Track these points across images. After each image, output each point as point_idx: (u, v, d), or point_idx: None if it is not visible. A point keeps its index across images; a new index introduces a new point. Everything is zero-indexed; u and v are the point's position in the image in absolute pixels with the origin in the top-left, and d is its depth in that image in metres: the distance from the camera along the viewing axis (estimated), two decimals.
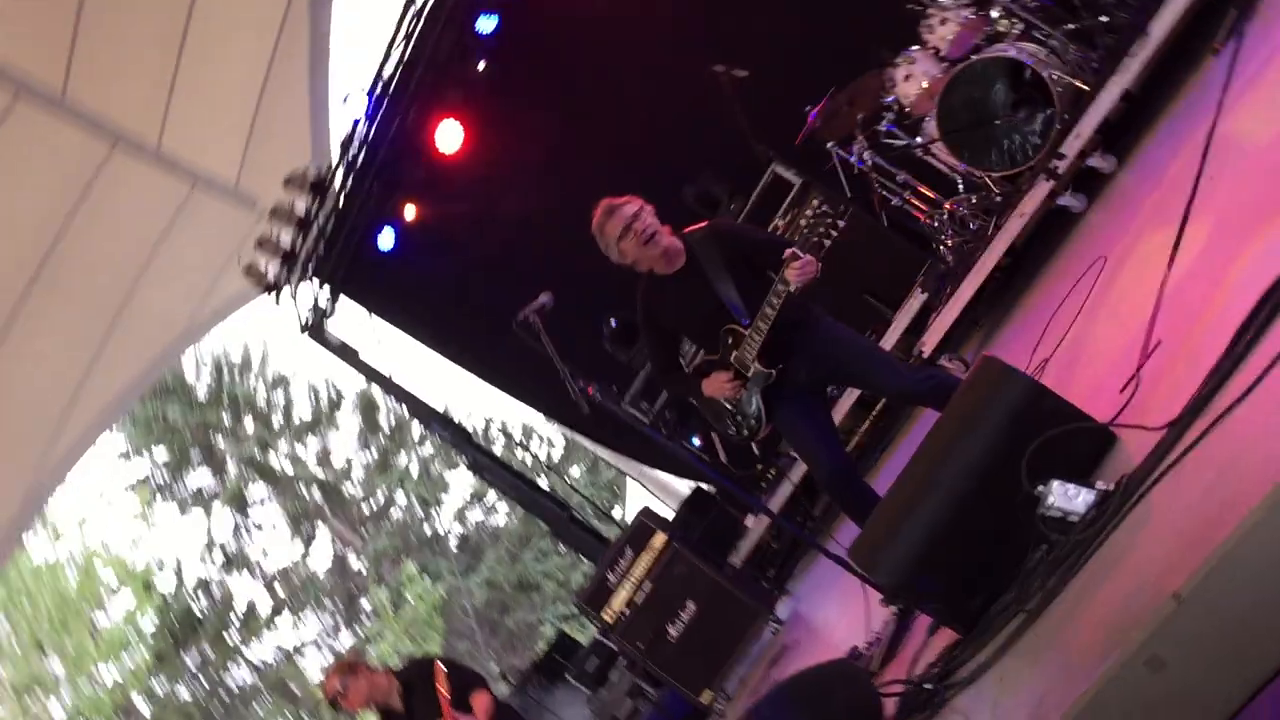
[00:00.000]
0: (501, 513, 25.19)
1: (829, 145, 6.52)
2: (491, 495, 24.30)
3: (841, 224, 3.79)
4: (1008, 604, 2.61)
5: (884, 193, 6.54)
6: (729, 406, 4.33)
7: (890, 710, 2.89)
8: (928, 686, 2.78)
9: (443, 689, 5.03)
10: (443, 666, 5.24)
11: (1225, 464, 2.16)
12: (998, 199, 5.95)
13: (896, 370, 4.48)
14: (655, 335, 4.49)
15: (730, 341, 4.23)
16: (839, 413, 6.67)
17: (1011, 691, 2.44)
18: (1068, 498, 2.48)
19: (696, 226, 4.35)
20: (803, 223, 3.76)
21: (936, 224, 6.47)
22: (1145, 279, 3.47)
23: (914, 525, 2.72)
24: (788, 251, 3.88)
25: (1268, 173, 3.13)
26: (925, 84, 5.98)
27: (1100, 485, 2.48)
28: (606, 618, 6.51)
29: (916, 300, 6.60)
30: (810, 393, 4.37)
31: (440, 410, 11.03)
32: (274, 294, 9.38)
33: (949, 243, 6.35)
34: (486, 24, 8.26)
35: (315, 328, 9.52)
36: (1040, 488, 2.51)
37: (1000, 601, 2.65)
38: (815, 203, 6.62)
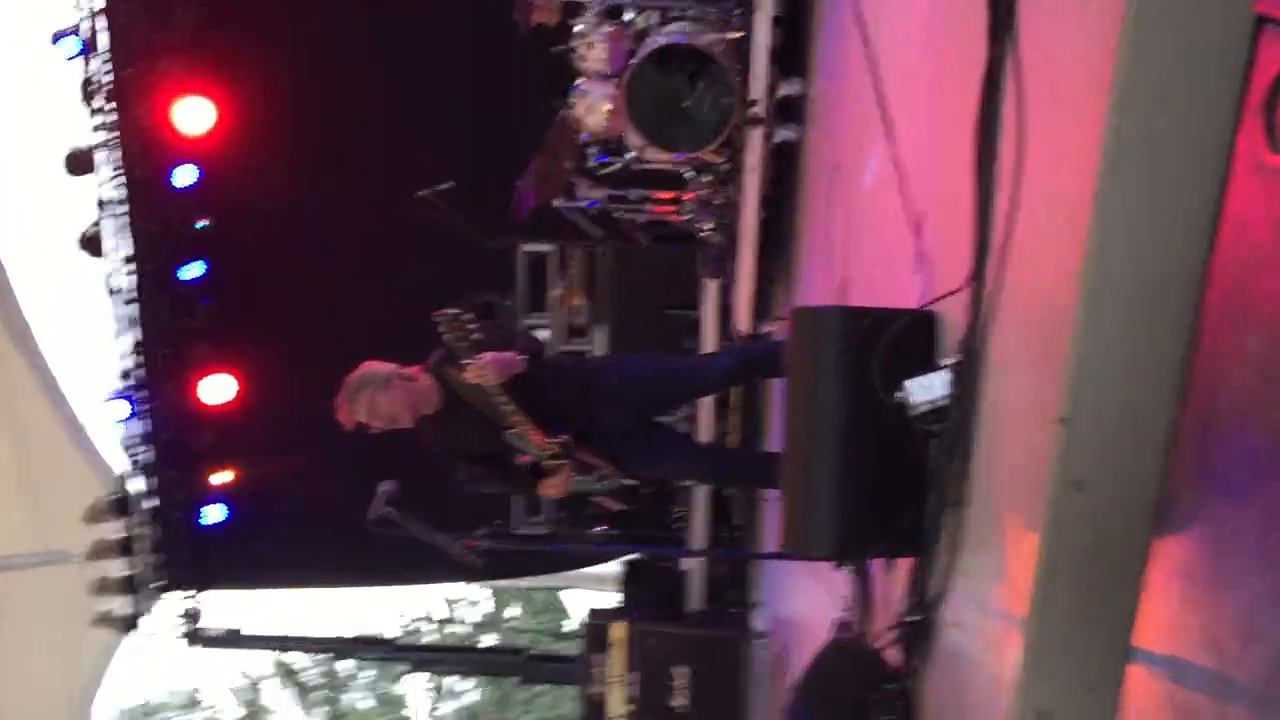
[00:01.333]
0: (470, 689, 24.38)
1: (556, 204, 6.61)
2: (450, 680, 23.50)
3: (466, 320, 3.85)
4: (934, 507, 2.65)
5: (629, 216, 6.66)
6: (578, 483, 4.33)
7: (896, 657, 2.89)
8: (915, 619, 2.79)
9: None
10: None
11: (1031, 282, 2.25)
12: (725, 167, 6.13)
13: (701, 366, 4.61)
14: (468, 460, 4.47)
15: (519, 443, 4.25)
16: (704, 425, 6.73)
17: (982, 578, 2.47)
18: (926, 388, 2.54)
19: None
20: (445, 334, 3.87)
21: (689, 217, 6.62)
22: (879, 166, 3.62)
23: (819, 492, 2.74)
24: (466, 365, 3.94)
25: (919, 28, 3.30)
26: (607, 105, 6.12)
27: (946, 362, 2.55)
28: None
29: (711, 289, 6.73)
30: (639, 429, 4.40)
31: (355, 636, 10.63)
32: (134, 629, 8.90)
33: (708, 227, 6.50)
34: (191, 271, 8.12)
35: (193, 635, 9.05)
36: (898, 394, 2.56)
37: (928, 509, 2.68)
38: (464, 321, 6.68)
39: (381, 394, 4.11)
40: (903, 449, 2.66)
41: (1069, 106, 2.06)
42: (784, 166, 6.01)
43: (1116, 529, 2.02)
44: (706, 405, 6.79)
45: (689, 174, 6.41)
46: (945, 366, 2.55)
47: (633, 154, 6.25)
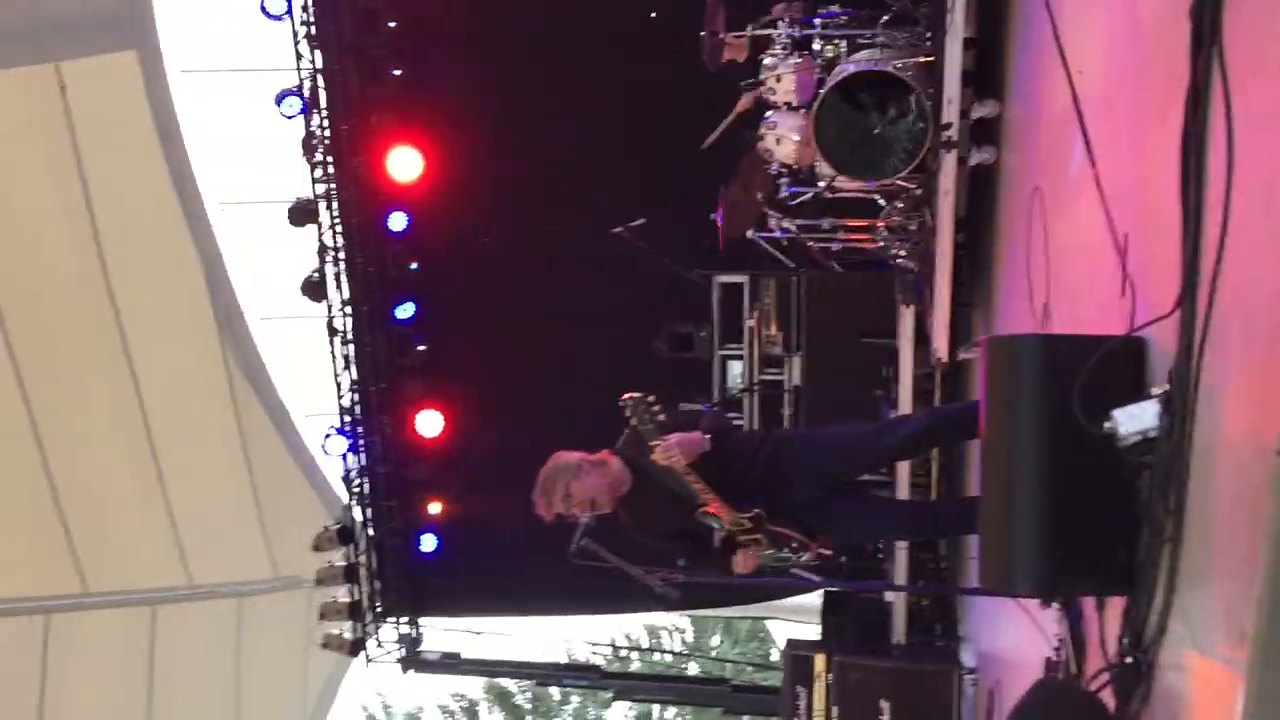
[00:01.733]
0: (672, 718, 24.48)
1: (749, 234, 6.65)
2: (655, 709, 23.65)
3: (651, 403, 3.93)
4: (1148, 542, 2.53)
5: (821, 245, 6.63)
6: (771, 557, 4.31)
7: (1110, 699, 2.76)
8: (1129, 660, 2.66)
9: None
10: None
11: (1245, 307, 2.13)
12: (919, 192, 6.03)
13: (890, 431, 4.58)
14: (662, 538, 4.47)
15: (711, 521, 4.26)
16: (902, 480, 6.62)
17: (1200, 619, 2.34)
18: (1135, 418, 2.43)
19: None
20: (631, 418, 3.95)
21: (883, 244, 6.54)
22: (1083, 187, 3.49)
23: (1021, 527, 2.66)
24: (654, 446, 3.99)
25: (1120, 43, 3.19)
26: (797, 136, 6.13)
27: (1155, 391, 2.44)
28: None
29: (908, 317, 6.62)
30: (821, 498, 4.36)
31: (564, 661, 10.87)
32: (361, 652, 9.35)
33: (903, 253, 6.40)
34: (404, 311, 8.54)
35: (410, 659, 9.45)
36: (1106, 424, 2.46)
37: (1141, 544, 2.56)
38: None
39: (575, 482, 4.17)
40: (1112, 482, 2.55)
41: None
42: (980, 190, 5.87)
43: None
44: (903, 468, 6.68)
45: (882, 201, 6.34)
46: (1155, 395, 2.44)
47: (824, 183, 6.24)
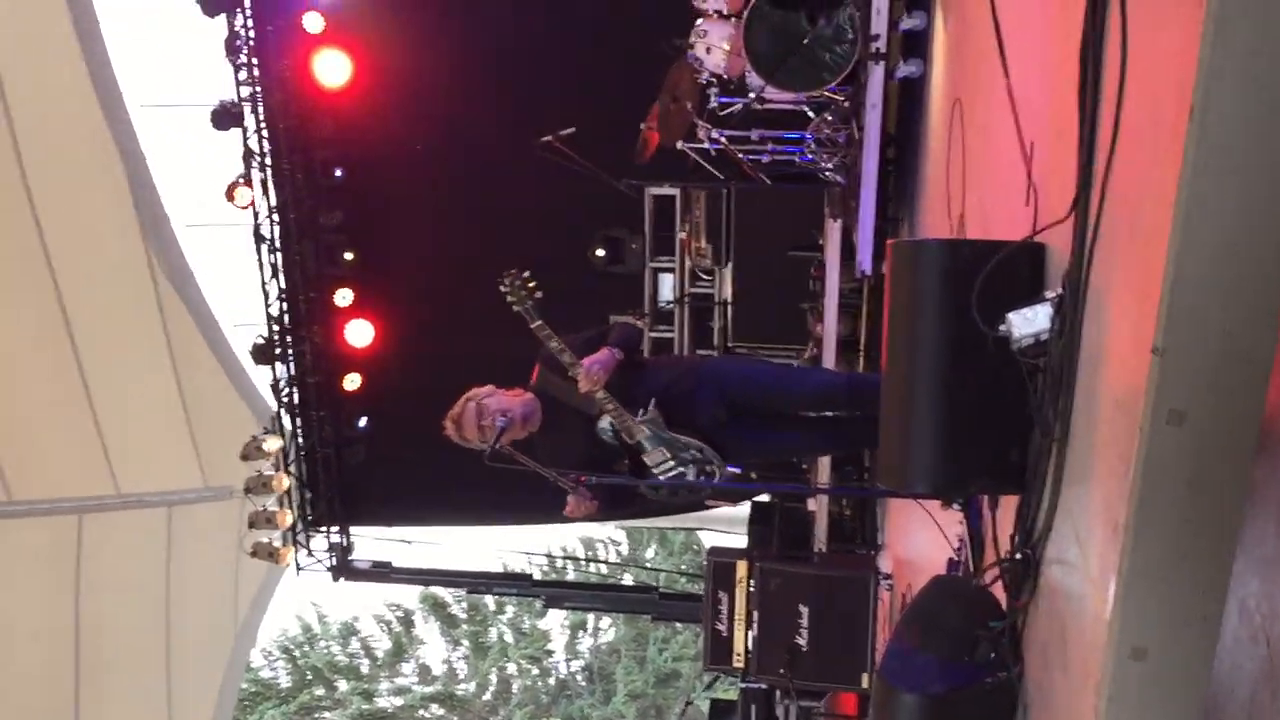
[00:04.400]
0: (606, 627, 24.95)
1: (679, 145, 6.62)
2: (589, 617, 24.08)
3: (528, 278, 4.04)
4: (1038, 443, 2.61)
5: (750, 157, 6.63)
6: (668, 460, 4.38)
7: (1002, 594, 2.88)
8: (1019, 556, 2.77)
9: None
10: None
11: (1132, 212, 2.19)
12: (846, 105, 6.04)
13: (809, 375, 4.64)
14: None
15: (610, 435, 4.35)
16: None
17: (1082, 515, 2.43)
18: (1028, 321, 2.49)
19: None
20: (511, 300, 4.03)
21: (811, 156, 6.55)
22: (995, 98, 3.53)
23: (919, 427, 2.73)
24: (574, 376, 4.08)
25: None
26: (726, 45, 6.09)
27: (1049, 294, 2.50)
28: (739, 665, 6.46)
29: (835, 230, 6.66)
30: (725, 420, 4.42)
31: (493, 572, 10.99)
32: (288, 562, 9.38)
33: (831, 166, 6.42)
34: (330, 219, 8.43)
35: (341, 568, 9.51)
36: (1001, 327, 2.53)
37: (1031, 445, 2.65)
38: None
39: (488, 399, 4.26)
40: (1006, 384, 2.62)
41: (1173, 29, 1.99)
42: (906, 103, 5.89)
43: (1215, 461, 1.98)
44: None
45: (811, 113, 6.34)
46: (1049, 299, 2.50)
47: (753, 94, 6.22)
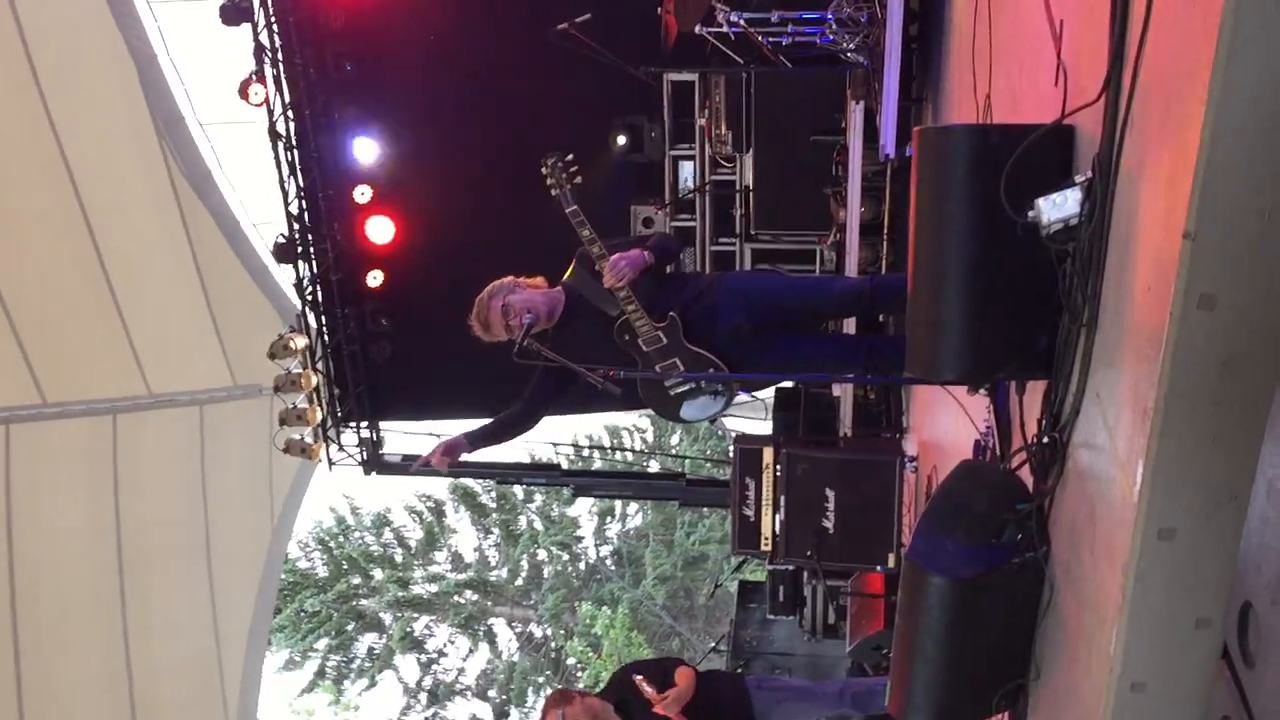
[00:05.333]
0: (634, 514, 25.40)
1: (698, 30, 6.49)
2: (617, 504, 24.49)
3: (570, 161, 4.03)
4: (1067, 328, 2.61)
5: (770, 40, 6.49)
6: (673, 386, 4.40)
7: (1030, 479, 2.91)
8: (1046, 440, 2.79)
9: (647, 688, 5.14)
10: (638, 674, 5.35)
11: (1164, 92, 2.14)
12: None
13: (830, 283, 4.62)
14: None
15: (628, 338, 4.34)
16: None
17: (1111, 399, 2.44)
18: (1057, 206, 2.46)
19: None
20: (550, 184, 4.04)
21: (832, 38, 6.41)
22: None
23: (947, 315, 2.72)
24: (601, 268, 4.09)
25: None
26: None
27: (1079, 178, 2.46)
28: (766, 548, 6.57)
29: (857, 113, 6.55)
30: (747, 332, 4.42)
31: (526, 461, 11.15)
32: (320, 456, 9.53)
33: (853, 47, 6.29)
34: (345, 113, 8.34)
35: (373, 462, 9.66)
36: (1030, 213, 2.50)
37: (1060, 330, 2.64)
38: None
39: (513, 295, 4.28)
40: (1035, 270, 2.60)
41: None
42: None
43: (1245, 345, 1.97)
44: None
45: None
46: (1078, 183, 2.46)
47: None
